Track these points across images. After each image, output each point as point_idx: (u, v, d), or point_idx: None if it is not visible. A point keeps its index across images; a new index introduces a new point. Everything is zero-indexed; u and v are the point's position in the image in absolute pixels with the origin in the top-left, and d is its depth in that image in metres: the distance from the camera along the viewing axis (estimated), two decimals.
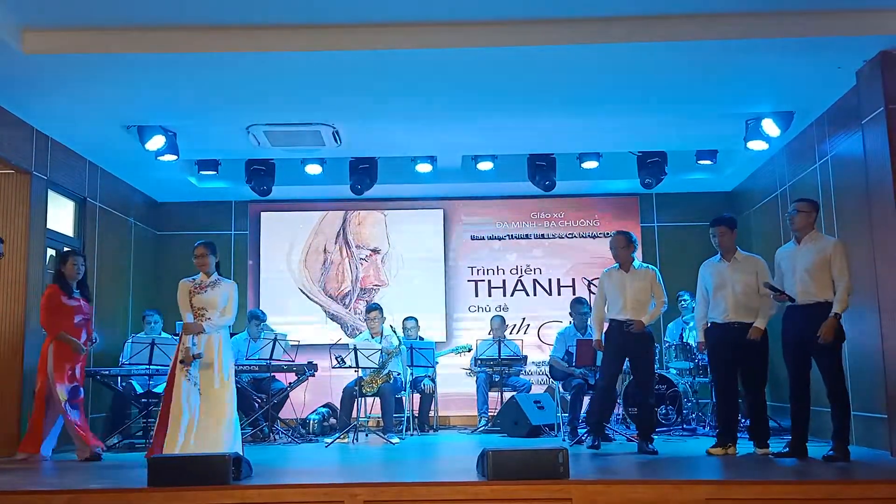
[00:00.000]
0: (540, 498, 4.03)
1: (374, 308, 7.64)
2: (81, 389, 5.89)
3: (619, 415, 7.29)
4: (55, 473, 5.17)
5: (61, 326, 5.82)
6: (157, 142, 6.85)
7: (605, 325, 5.86)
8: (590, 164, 7.97)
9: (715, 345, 5.62)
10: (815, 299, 5.06)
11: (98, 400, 7.53)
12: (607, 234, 9.15)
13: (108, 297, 7.84)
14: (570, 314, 7.38)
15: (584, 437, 6.44)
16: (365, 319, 7.82)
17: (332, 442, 6.64)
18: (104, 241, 7.84)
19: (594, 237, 9.23)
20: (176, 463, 4.23)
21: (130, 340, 7.40)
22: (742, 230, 8.28)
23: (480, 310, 9.15)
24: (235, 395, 5.54)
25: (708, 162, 7.92)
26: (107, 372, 6.91)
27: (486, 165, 8.10)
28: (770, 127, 6.64)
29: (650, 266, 5.95)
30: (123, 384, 7.21)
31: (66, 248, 6.26)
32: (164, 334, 7.69)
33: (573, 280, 9.15)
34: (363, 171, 8.05)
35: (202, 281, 5.57)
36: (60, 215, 7.28)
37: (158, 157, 7.13)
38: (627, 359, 5.85)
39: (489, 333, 8.30)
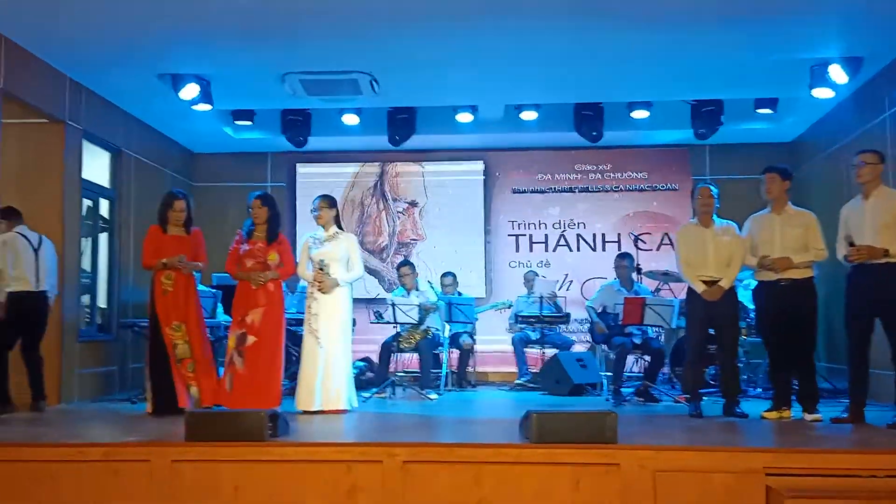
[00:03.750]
0: (586, 462, 3.87)
1: (404, 264, 7.52)
2: (248, 336, 5.45)
3: (664, 374, 7.06)
4: (91, 426, 5.14)
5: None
6: (190, 91, 6.69)
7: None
8: (640, 114, 7.64)
9: (764, 304, 5.35)
10: (887, 259, 4.72)
11: (136, 352, 7.54)
12: (655, 187, 8.85)
13: None
14: (615, 269, 7.10)
15: (628, 398, 6.26)
16: (398, 276, 7.67)
17: (369, 396, 6.55)
18: (140, 193, 7.76)
19: (641, 190, 8.89)
20: (213, 418, 4.17)
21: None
22: (802, 183, 7.91)
23: (521, 265, 8.91)
24: (351, 350, 5.76)
25: (767, 111, 7.53)
26: (144, 323, 6.87)
27: (529, 115, 7.80)
28: (837, 73, 6.24)
29: (731, 221, 5.53)
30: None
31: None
32: (200, 286, 7.61)
33: (619, 235, 8.84)
34: (401, 122, 7.86)
35: (322, 235, 5.68)
36: (96, 166, 7.20)
37: (193, 107, 6.98)
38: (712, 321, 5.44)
39: (526, 289, 8.10)
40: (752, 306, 6.84)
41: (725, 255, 5.36)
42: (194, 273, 5.74)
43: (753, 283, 5.71)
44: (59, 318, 6.31)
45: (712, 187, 5.53)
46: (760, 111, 7.60)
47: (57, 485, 3.92)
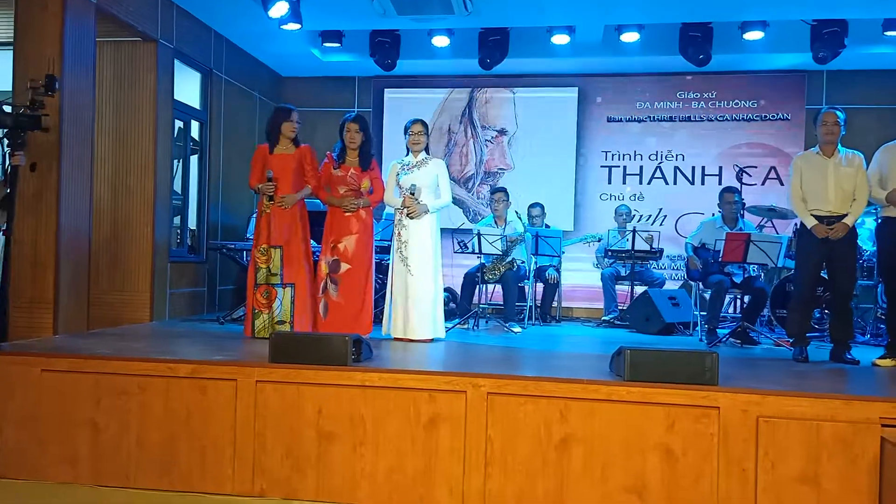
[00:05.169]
0: (683, 404, 3.65)
1: (499, 189, 7.26)
2: (341, 264, 5.42)
3: (764, 316, 6.67)
4: (180, 343, 5.23)
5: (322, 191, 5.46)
6: (280, 8, 6.50)
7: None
8: (753, 35, 7.02)
9: (888, 243, 4.90)
10: None
11: (225, 274, 7.68)
12: (764, 116, 8.24)
13: (234, 171, 7.83)
14: (720, 204, 6.65)
15: (724, 339, 5.94)
16: (489, 202, 7.46)
17: (452, 327, 6.44)
18: (230, 115, 7.75)
19: (749, 120, 8.28)
20: (297, 340, 4.14)
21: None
22: None
23: (613, 198, 8.54)
24: (441, 280, 5.59)
25: None
26: (232, 245, 6.96)
27: (631, 37, 7.28)
28: None
29: (857, 152, 5.05)
30: (249, 258, 7.24)
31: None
32: None
33: (720, 168, 8.31)
34: (493, 44, 7.50)
35: (411, 161, 5.54)
36: (187, 87, 7.19)
37: (282, 26, 6.81)
38: (826, 261, 5.06)
39: (616, 223, 7.76)
40: (865, 247, 6.34)
41: (848, 188, 4.89)
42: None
43: (869, 223, 5.24)
44: (152, 239, 6.43)
45: (839, 112, 5.01)
46: (889, 34, 6.86)
47: (146, 398, 4.00)
